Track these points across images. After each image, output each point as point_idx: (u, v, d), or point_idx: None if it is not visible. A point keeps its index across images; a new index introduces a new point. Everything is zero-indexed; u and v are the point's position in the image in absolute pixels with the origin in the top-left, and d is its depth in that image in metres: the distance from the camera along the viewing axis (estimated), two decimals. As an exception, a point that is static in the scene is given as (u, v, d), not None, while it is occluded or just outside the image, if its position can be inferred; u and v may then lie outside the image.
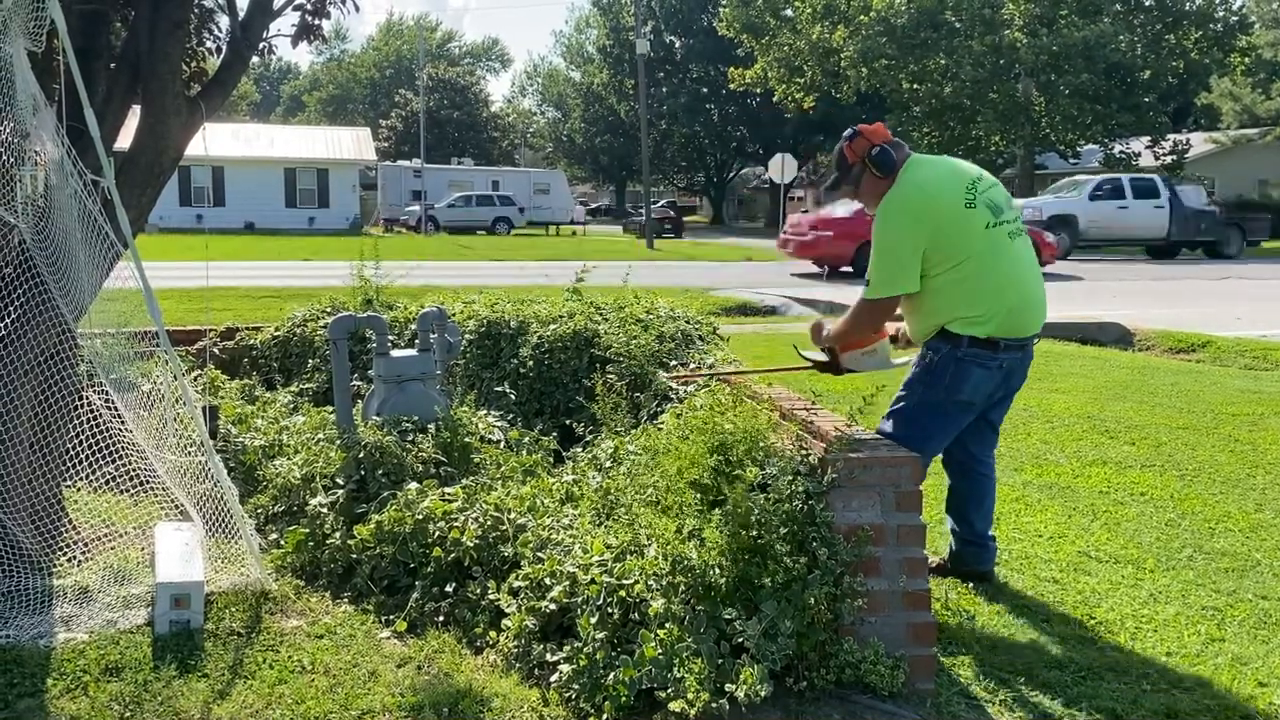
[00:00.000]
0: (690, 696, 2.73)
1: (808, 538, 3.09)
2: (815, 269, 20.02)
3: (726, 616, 2.97)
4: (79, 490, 3.96)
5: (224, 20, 4.61)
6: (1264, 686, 3.21)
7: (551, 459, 4.82)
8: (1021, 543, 4.43)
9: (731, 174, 66.95)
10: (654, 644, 2.87)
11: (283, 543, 4.04)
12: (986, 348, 3.60)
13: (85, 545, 3.79)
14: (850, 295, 15.07)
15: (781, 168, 30.84)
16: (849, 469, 3.14)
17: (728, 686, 2.79)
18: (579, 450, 4.75)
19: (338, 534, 3.93)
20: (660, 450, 3.67)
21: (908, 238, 3.59)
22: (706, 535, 3.12)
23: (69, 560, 3.70)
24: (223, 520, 3.79)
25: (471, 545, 3.60)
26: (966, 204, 3.61)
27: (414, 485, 4.02)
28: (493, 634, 3.33)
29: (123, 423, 3.67)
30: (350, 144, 43.92)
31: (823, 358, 4.06)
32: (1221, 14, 37.33)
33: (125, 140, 4.19)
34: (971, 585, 3.93)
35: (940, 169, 3.73)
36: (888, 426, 3.71)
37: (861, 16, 38.11)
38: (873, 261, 3.67)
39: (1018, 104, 36.88)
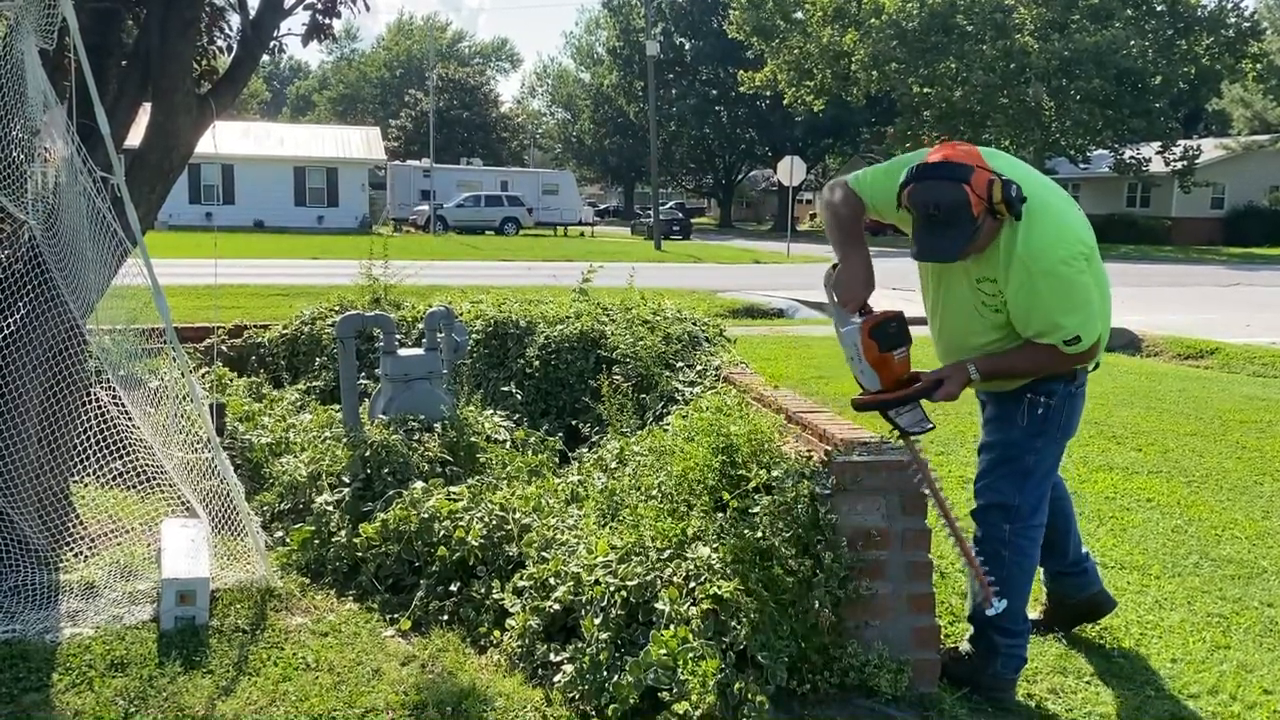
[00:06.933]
0: (694, 698, 2.73)
1: (812, 541, 3.09)
2: None
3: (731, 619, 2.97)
4: (86, 486, 3.98)
5: (235, 18, 4.64)
6: (1269, 694, 3.20)
7: (557, 459, 4.82)
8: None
9: (740, 176, 66.90)
10: (660, 645, 2.87)
11: (288, 540, 4.05)
12: (1087, 371, 3.16)
13: (92, 541, 3.80)
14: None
15: (790, 170, 30.84)
16: (855, 472, 3.13)
17: (732, 688, 2.79)
18: (585, 451, 4.76)
19: (343, 532, 3.94)
20: (666, 452, 3.67)
21: (1088, 278, 2.93)
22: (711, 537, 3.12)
23: (76, 555, 3.71)
24: (229, 517, 3.80)
25: (476, 545, 3.61)
26: (1092, 230, 3.03)
27: (419, 484, 4.03)
28: (497, 633, 3.33)
29: (130, 419, 3.68)
30: (360, 143, 43.93)
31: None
32: (1233, 20, 37.28)
33: (135, 138, 4.20)
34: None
35: (1054, 191, 3.02)
36: (1011, 495, 3.11)
37: (872, 20, 38.11)
38: (1063, 306, 2.88)
39: (1028, 109, 36.81)
